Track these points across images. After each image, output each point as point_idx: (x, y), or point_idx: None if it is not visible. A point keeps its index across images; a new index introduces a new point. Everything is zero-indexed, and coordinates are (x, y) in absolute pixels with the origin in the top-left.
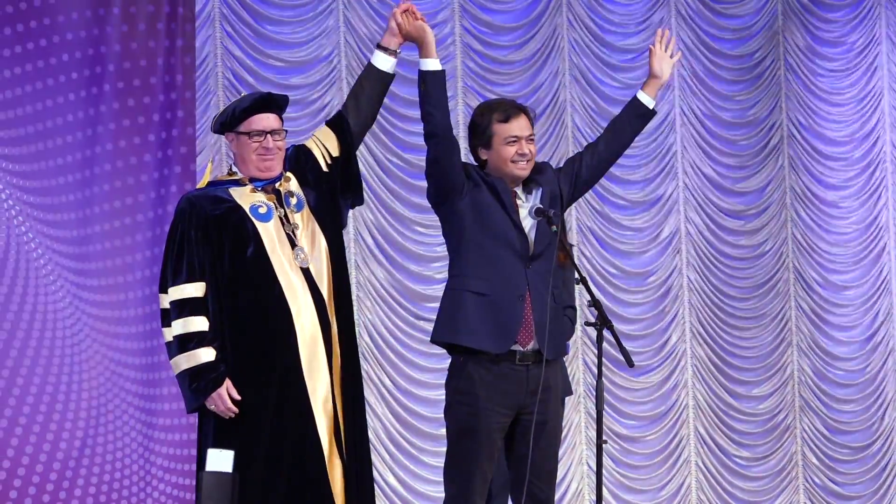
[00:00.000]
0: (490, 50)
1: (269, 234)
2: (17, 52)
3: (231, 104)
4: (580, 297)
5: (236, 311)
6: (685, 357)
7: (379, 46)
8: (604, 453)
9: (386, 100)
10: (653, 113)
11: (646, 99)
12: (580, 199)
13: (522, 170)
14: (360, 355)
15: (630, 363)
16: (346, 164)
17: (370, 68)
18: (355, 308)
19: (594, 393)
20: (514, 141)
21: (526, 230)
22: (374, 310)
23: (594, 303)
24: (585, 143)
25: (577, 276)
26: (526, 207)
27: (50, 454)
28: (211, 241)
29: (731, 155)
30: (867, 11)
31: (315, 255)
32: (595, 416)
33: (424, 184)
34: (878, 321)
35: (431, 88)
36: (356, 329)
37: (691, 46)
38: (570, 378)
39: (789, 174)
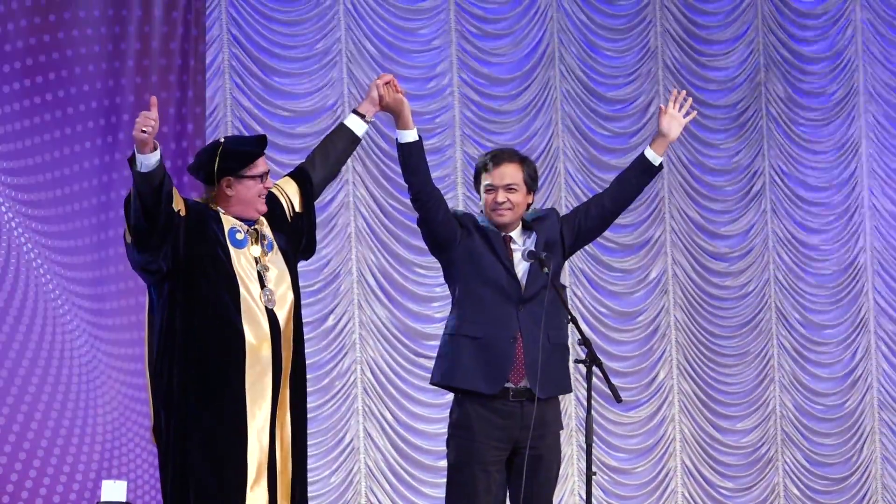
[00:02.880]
0: (486, 100)
1: (242, 260)
2: (35, 102)
3: (224, 148)
4: (572, 335)
5: (192, 306)
6: (672, 392)
7: (356, 112)
8: (595, 485)
9: (387, 146)
10: (659, 168)
11: (652, 155)
12: None
13: (501, 217)
14: (363, 390)
15: (618, 399)
16: (308, 220)
17: (344, 129)
18: (358, 345)
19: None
20: (491, 189)
21: (518, 275)
22: (375, 347)
23: (584, 341)
24: (577, 190)
25: (567, 315)
26: (520, 251)
27: (67, 486)
28: (189, 230)
29: (716, 200)
30: (845, 64)
31: (280, 297)
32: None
33: None
34: (857, 358)
35: (409, 158)
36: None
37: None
38: (563, 413)
39: (771, 218)
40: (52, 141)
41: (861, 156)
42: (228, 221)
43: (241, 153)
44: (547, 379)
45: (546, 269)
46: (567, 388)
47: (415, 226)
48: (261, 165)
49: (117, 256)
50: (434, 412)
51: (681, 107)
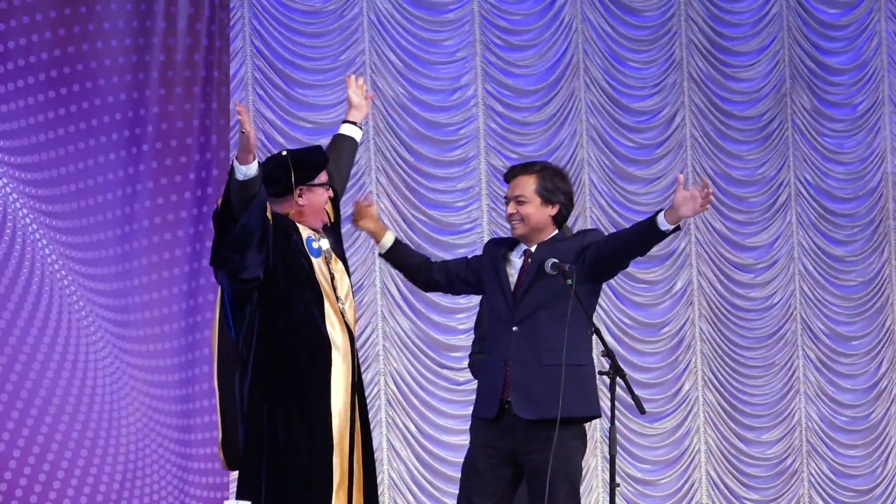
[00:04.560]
0: (511, 112)
1: (320, 269)
2: (60, 114)
3: (294, 158)
4: (596, 346)
5: (283, 315)
6: (697, 404)
7: (347, 121)
8: (620, 496)
9: (412, 158)
10: (665, 234)
11: (661, 220)
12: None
13: (513, 229)
14: (386, 402)
15: (641, 410)
16: (338, 229)
17: (346, 139)
18: (381, 356)
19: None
20: (506, 202)
21: (512, 294)
22: (399, 358)
23: (607, 352)
24: (602, 201)
25: (591, 327)
26: (516, 266)
27: (90, 497)
28: (277, 240)
29: (741, 211)
30: (871, 75)
31: (349, 307)
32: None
33: (449, 238)
34: (882, 370)
35: (395, 263)
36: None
37: (703, 108)
38: (587, 425)
39: (797, 230)
40: (76, 153)
41: (886, 167)
42: (304, 231)
43: (312, 161)
44: (533, 401)
45: (570, 281)
46: (570, 412)
47: (438, 237)
48: (324, 174)
49: (141, 268)
50: (458, 423)
51: (703, 199)
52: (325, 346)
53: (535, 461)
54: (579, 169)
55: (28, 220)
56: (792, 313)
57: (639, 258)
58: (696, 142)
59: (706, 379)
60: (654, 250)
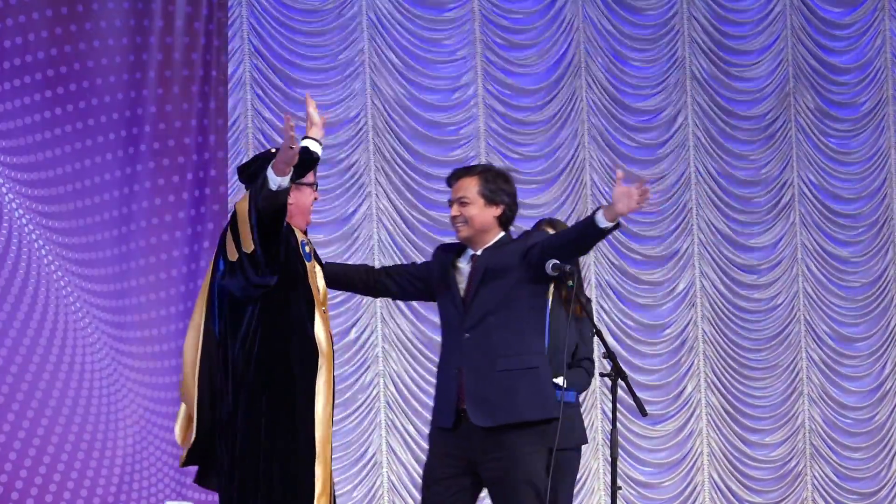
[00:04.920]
0: (512, 111)
1: (311, 273)
2: (57, 113)
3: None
4: (598, 348)
5: (282, 318)
6: (700, 406)
7: (307, 137)
8: (623, 499)
9: (412, 158)
10: (604, 232)
11: (600, 217)
12: (599, 255)
13: (457, 231)
14: (386, 404)
15: (643, 412)
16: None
17: (311, 153)
18: (380, 358)
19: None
20: (449, 205)
21: (462, 301)
22: (399, 361)
23: (608, 354)
24: (603, 201)
25: (592, 329)
26: (465, 272)
27: (87, 499)
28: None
29: (744, 212)
30: (875, 74)
31: (327, 312)
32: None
33: (449, 238)
34: (887, 371)
35: (337, 285)
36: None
37: (705, 108)
38: (589, 426)
39: (800, 230)
40: (73, 153)
41: (891, 167)
42: (297, 234)
43: (301, 161)
44: (488, 408)
45: (571, 283)
46: (526, 416)
47: (438, 237)
48: (311, 174)
49: (138, 269)
50: None
51: (639, 197)
52: (315, 351)
53: (492, 469)
54: (580, 169)
55: (24, 221)
56: (795, 315)
57: (643, 258)
58: (698, 142)
59: (709, 381)
60: (656, 251)
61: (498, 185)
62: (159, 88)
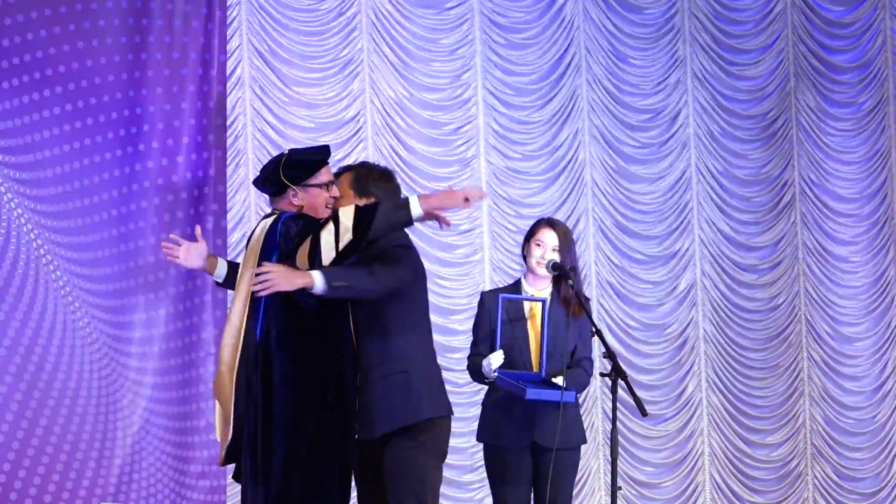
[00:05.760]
0: (512, 110)
1: None
2: (55, 112)
3: (288, 158)
4: (598, 348)
5: (307, 317)
6: (701, 406)
7: None
8: (623, 499)
9: (412, 158)
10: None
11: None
12: (600, 255)
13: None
14: None
15: (643, 412)
16: None
17: None
18: None
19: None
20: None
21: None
22: None
23: (609, 354)
24: (604, 201)
25: (592, 328)
26: None
27: (86, 499)
28: None
29: (745, 211)
30: (875, 73)
31: None
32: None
33: (447, 237)
34: (887, 371)
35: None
36: None
37: (707, 107)
38: (589, 426)
39: (801, 230)
40: (70, 152)
41: (891, 166)
42: None
43: (306, 162)
44: (368, 420)
45: (570, 282)
46: (396, 423)
47: (438, 238)
48: (325, 174)
49: (138, 269)
50: (457, 425)
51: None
52: (349, 355)
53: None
54: (581, 168)
55: (22, 221)
56: (796, 314)
57: (644, 258)
58: (699, 140)
59: (710, 381)
60: (657, 250)
61: (364, 178)
62: (158, 87)
